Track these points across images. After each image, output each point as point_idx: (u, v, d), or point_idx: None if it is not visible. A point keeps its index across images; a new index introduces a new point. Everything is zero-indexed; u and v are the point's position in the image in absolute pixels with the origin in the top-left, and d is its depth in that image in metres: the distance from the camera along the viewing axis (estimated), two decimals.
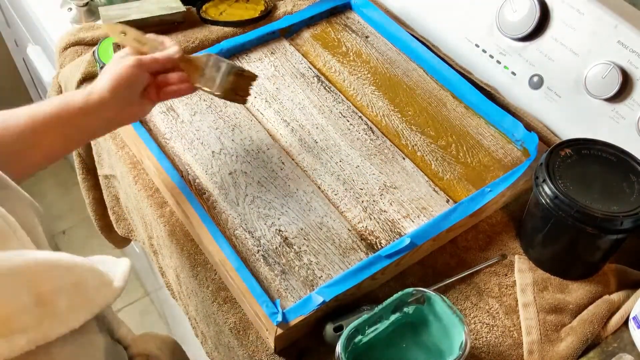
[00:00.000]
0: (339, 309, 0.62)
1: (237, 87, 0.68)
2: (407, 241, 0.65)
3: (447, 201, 0.72)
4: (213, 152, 0.75)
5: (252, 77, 0.69)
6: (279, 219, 0.69)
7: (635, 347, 0.62)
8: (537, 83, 0.81)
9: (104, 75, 0.59)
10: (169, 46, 0.64)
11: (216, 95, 0.67)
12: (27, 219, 0.39)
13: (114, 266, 0.39)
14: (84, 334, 0.34)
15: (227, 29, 0.93)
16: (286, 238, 0.67)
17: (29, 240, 0.36)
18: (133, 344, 0.49)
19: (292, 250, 0.66)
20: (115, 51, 0.83)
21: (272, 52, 0.89)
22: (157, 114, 0.79)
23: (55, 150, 0.59)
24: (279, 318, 0.58)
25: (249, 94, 0.70)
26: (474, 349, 0.61)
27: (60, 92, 0.91)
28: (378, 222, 0.69)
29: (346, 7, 0.97)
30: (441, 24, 0.91)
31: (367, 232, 0.68)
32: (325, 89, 0.84)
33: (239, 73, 0.67)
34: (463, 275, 0.67)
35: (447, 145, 0.78)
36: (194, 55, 0.67)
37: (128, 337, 0.49)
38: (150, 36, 0.64)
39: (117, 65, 0.59)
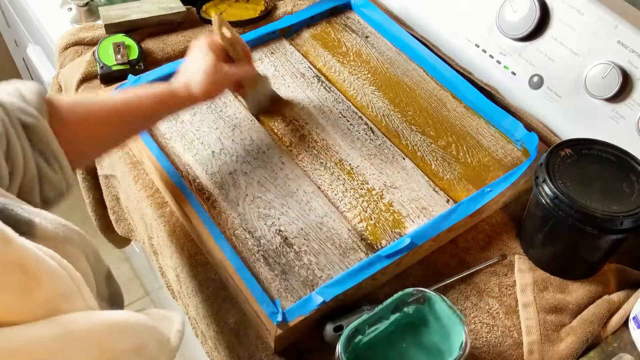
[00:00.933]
0: (339, 309, 0.61)
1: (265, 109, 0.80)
2: (407, 241, 0.65)
3: (447, 201, 0.72)
4: (213, 152, 0.75)
5: (282, 102, 0.81)
6: (279, 219, 0.69)
7: (635, 347, 0.62)
8: (537, 83, 0.81)
9: (200, 80, 0.67)
10: (244, 62, 0.74)
11: (250, 112, 0.79)
12: (88, 277, 0.39)
13: (169, 322, 0.39)
14: None
15: None
16: (286, 238, 0.67)
17: (93, 298, 0.36)
18: None
19: (292, 250, 0.66)
20: (115, 51, 0.83)
21: (272, 52, 0.89)
22: None
23: (137, 131, 0.68)
24: (279, 318, 0.58)
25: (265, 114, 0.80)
26: (474, 349, 0.61)
27: (60, 92, 0.91)
28: (378, 222, 0.69)
29: (346, 7, 0.97)
30: (441, 24, 0.91)
31: (367, 232, 0.68)
32: (325, 89, 0.84)
33: (274, 100, 0.81)
34: (463, 275, 0.67)
35: (447, 145, 0.78)
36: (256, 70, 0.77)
37: None
38: (240, 42, 0.73)
39: (212, 73, 0.67)
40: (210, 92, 0.68)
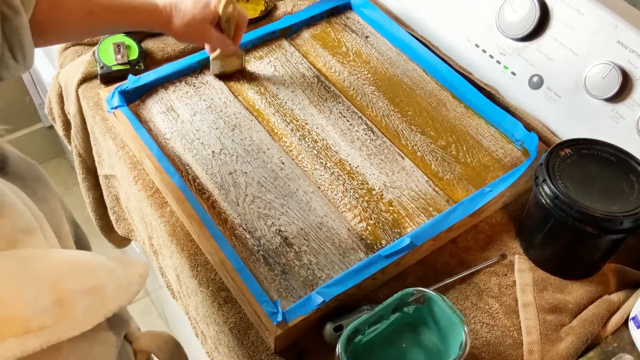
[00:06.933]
0: (339, 309, 0.62)
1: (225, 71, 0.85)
2: (407, 241, 0.65)
3: (447, 201, 0.72)
4: (213, 152, 0.75)
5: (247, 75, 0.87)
6: (279, 219, 0.69)
7: (635, 347, 0.62)
8: (537, 83, 0.81)
9: (187, 20, 0.71)
10: (230, 40, 0.78)
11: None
12: (54, 214, 0.39)
13: (132, 267, 0.39)
14: (94, 332, 0.34)
15: None
16: (286, 238, 0.67)
17: (54, 236, 0.36)
18: (136, 340, 0.49)
19: (292, 250, 0.66)
20: (115, 51, 0.83)
21: (272, 52, 0.89)
22: (157, 114, 0.79)
23: (104, 31, 0.74)
24: (279, 318, 0.58)
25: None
26: (474, 349, 0.61)
27: (60, 92, 0.91)
28: (378, 222, 0.69)
29: (346, 7, 0.97)
30: (441, 24, 0.91)
31: (367, 232, 0.68)
32: (325, 89, 0.84)
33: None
34: (463, 275, 0.67)
35: (447, 145, 0.78)
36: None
37: (134, 334, 0.49)
38: (238, 22, 0.77)
39: (200, 25, 0.72)
40: (189, 36, 0.73)
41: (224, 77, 0.84)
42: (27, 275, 0.31)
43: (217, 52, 0.81)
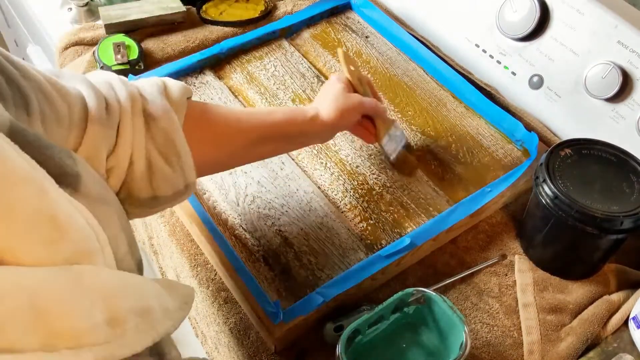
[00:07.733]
0: (339, 309, 0.61)
1: (405, 161, 0.75)
2: (407, 241, 0.65)
3: (447, 201, 0.72)
4: None
5: (415, 164, 0.76)
6: (279, 219, 0.69)
7: (635, 347, 0.62)
8: (537, 83, 0.81)
9: (329, 103, 0.65)
10: (374, 98, 0.71)
11: (389, 161, 0.74)
12: (116, 239, 0.39)
13: (179, 292, 0.40)
14: (139, 356, 0.34)
15: (227, 29, 0.93)
16: (286, 238, 0.67)
17: (113, 259, 0.36)
18: None
19: (292, 250, 0.66)
20: (115, 51, 0.83)
21: (272, 52, 0.89)
22: None
23: (263, 156, 0.66)
24: (279, 318, 0.58)
25: (413, 174, 0.75)
26: (474, 349, 0.61)
27: None
28: (378, 222, 0.69)
29: (346, 7, 0.97)
30: (441, 24, 0.91)
31: (367, 232, 0.68)
32: None
33: (409, 148, 0.77)
34: (463, 275, 0.67)
35: (447, 145, 0.78)
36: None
37: None
38: (367, 80, 0.73)
39: (342, 98, 0.66)
40: (341, 117, 0.65)
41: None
42: (81, 290, 0.31)
43: (381, 132, 0.71)
